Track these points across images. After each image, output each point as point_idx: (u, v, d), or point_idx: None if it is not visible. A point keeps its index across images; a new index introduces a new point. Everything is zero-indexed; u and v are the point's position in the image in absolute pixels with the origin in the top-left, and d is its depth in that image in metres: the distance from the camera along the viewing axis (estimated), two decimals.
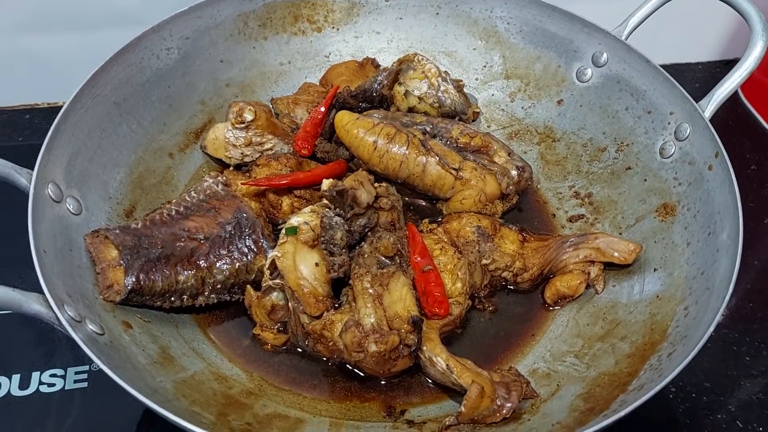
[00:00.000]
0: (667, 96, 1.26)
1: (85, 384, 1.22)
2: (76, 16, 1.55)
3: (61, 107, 1.15)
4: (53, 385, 1.22)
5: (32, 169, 1.07)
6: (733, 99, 1.22)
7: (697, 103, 1.21)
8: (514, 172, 1.30)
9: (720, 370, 1.28)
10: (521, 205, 1.36)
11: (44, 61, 1.63)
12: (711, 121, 1.19)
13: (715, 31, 1.88)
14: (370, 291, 1.08)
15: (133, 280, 1.08)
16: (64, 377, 1.23)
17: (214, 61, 1.40)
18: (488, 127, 1.47)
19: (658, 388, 0.90)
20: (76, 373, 1.23)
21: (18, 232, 1.02)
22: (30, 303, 0.93)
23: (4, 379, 1.21)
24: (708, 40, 1.90)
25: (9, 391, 1.20)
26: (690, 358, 0.93)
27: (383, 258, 1.14)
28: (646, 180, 1.27)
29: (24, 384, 1.21)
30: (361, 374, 1.11)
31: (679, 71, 1.85)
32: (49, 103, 1.67)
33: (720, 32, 1.89)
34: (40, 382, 1.22)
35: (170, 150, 1.34)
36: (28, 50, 1.60)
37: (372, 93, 1.38)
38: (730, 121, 1.77)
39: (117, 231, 1.13)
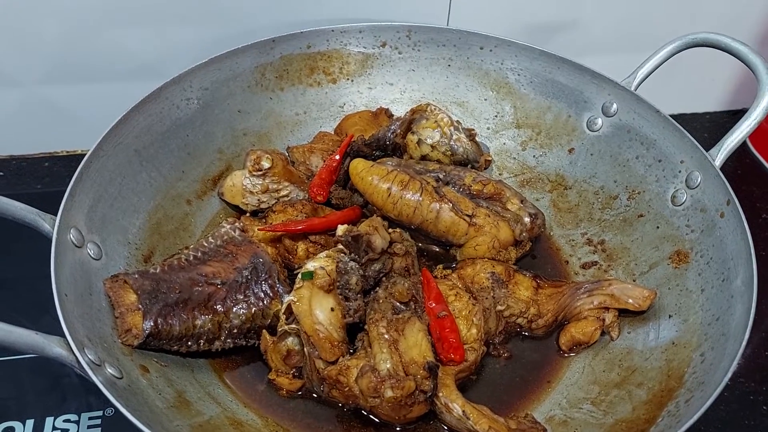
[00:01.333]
0: (677, 145, 1.28)
1: (98, 429, 1.21)
2: (98, 68, 1.59)
3: (79, 155, 1.18)
4: (67, 430, 1.21)
5: (54, 214, 1.09)
6: (741, 148, 1.24)
7: (707, 152, 1.23)
8: (527, 219, 1.31)
9: (737, 420, 1.27)
10: (534, 252, 1.37)
11: (64, 110, 1.67)
12: (721, 169, 1.21)
13: (722, 81, 1.92)
14: (386, 336, 1.09)
15: (151, 324, 1.09)
16: (77, 422, 1.22)
17: (232, 111, 1.43)
18: (500, 175, 1.49)
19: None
20: (90, 418, 1.23)
21: (37, 277, 1.04)
22: (52, 346, 0.94)
23: (18, 425, 1.21)
24: (715, 91, 1.93)
25: None
26: (708, 403, 0.93)
27: (398, 303, 1.14)
28: (658, 227, 1.28)
29: (38, 429, 1.21)
30: (377, 420, 1.10)
31: (686, 121, 1.88)
32: (68, 151, 1.70)
33: (727, 83, 1.92)
34: (54, 428, 1.22)
35: (188, 197, 1.36)
36: (48, 100, 1.64)
37: (385, 141, 1.40)
38: (739, 171, 1.78)
39: (136, 276, 1.15)
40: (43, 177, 1.66)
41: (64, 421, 1.23)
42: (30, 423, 1.22)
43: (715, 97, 1.95)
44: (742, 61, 1.23)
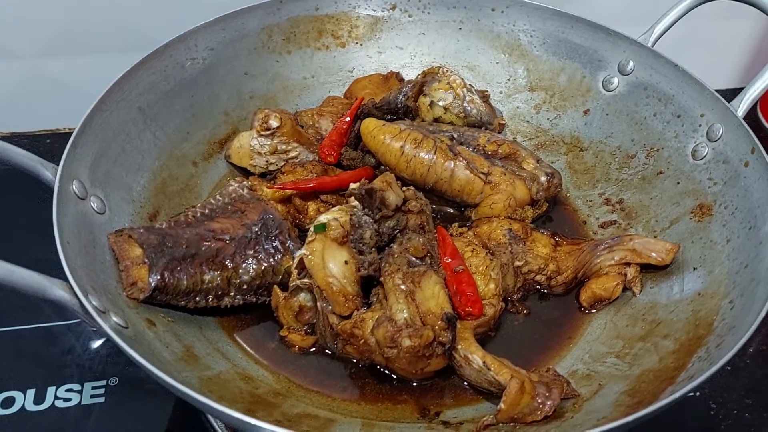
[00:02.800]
0: (696, 99, 1.25)
1: (102, 399, 1.18)
2: (100, 40, 1.57)
3: None
4: (69, 400, 1.18)
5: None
6: (752, 123, 1.21)
7: (728, 103, 1.20)
8: (543, 178, 1.27)
9: (761, 387, 1.24)
10: (551, 213, 1.33)
11: (65, 86, 1.64)
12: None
13: (732, 59, 1.90)
14: (402, 287, 1.05)
15: (158, 277, 1.05)
16: (80, 392, 1.19)
17: (238, 73, 1.40)
18: (514, 138, 1.45)
19: (712, 370, 0.85)
20: (93, 387, 1.20)
21: (40, 229, 1.00)
22: (54, 288, 0.90)
23: (18, 394, 1.18)
24: (725, 68, 1.91)
25: (23, 406, 1.16)
26: (743, 341, 0.89)
27: (413, 258, 1.10)
28: (679, 183, 1.25)
29: (39, 399, 1.18)
30: (393, 376, 1.06)
31: None
32: (70, 128, 1.66)
33: (737, 60, 1.90)
34: (56, 397, 1.18)
35: (193, 158, 1.33)
36: (49, 75, 1.61)
37: (397, 104, 1.37)
38: None
39: (141, 230, 1.11)
40: (46, 153, 1.61)
41: (67, 390, 1.19)
42: (31, 392, 1.18)
43: (725, 74, 1.93)
44: (763, 11, 1.20)
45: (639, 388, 0.97)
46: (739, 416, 1.18)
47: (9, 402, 1.17)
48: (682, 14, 1.30)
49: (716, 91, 1.15)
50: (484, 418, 0.97)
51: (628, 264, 1.16)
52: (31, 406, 1.17)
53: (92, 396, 1.19)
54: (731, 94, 1.86)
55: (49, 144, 1.65)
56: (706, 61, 1.84)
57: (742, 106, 1.19)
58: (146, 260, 1.07)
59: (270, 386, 1.03)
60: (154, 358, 0.94)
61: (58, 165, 1.06)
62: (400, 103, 1.37)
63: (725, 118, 1.20)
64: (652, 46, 1.32)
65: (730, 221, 1.13)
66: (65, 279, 0.92)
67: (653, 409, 0.83)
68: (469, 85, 1.39)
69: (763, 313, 0.92)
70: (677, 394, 0.83)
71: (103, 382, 1.20)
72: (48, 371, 1.21)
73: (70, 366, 1.23)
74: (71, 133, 1.64)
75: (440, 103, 1.37)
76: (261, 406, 0.97)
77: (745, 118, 1.19)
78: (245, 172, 1.34)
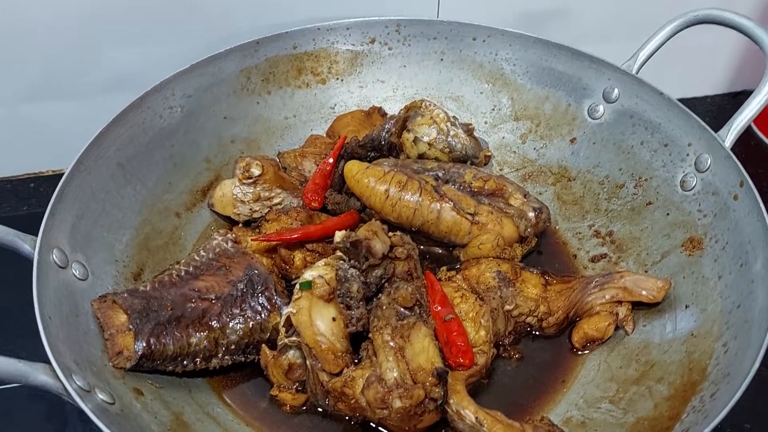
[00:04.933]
0: (683, 127, 1.23)
1: None
2: (78, 83, 1.54)
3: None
4: None
5: (36, 235, 1.04)
6: (746, 131, 1.19)
7: (715, 133, 1.18)
8: (531, 214, 1.26)
9: (758, 408, 1.22)
10: (540, 247, 1.32)
11: (47, 129, 1.62)
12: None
13: (721, 63, 1.87)
14: (391, 344, 1.03)
15: (144, 345, 1.03)
16: None
17: (218, 118, 1.38)
18: (501, 170, 1.44)
19: (706, 430, 0.84)
20: None
21: (22, 303, 0.99)
22: (37, 374, 0.88)
23: None
24: (714, 74, 1.89)
25: None
26: (737, 397, 0.87)
27: (402, 309, 1.09)
28: (668, 214, 1.23)
29: None
30: None
31: (688, 106, 1.83)
32: (53, 171, 1.65)
33: (726, 65, 1.87)
34: None
35: (176, 209, 1.31)
36: (29, 119, 1.59)
37: (380, 141, 1.35)
38: (744, 154, 1.73)
39: (125, 295, 1.09)
40: (29, 198, 1.61)
41: None
42: None
43: (715, 79, 1.90)
44: (747, 36, 1.18)
45: None
46: None
47: None
48: (666, 39, 1.28)
49: (708, 97, 1.13)
50: None
51: (620, 302, 1.15)
52: None
53: None
54: (724, 99, 1.88)
55: (33, 188, 1.63)
56: (694, 67, 1.83)
57: (729, 136, 1.17)
58: (131, 327, 1.05)
59: None
60: None
61: (36, 235, 1.04)
62: (384, 140, 1.35)
63: (712, 149, 1.18)
64: (637, 72, 1.30)
65: (722, 256, 1.12)
66: (47, 360, 0.90)
67: None
68: (453, 118, 1.37)
69: (758, 363, 0.91)
70: None
71: None
72: (44, 430, 1.19)
73: (66, 424, 1.21)
74: (54, 175, 1.65)
75: (424, 139, 1.36)
76: None
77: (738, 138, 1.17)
78: (230, 221, 1.32)
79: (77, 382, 0.91)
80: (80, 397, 0.88)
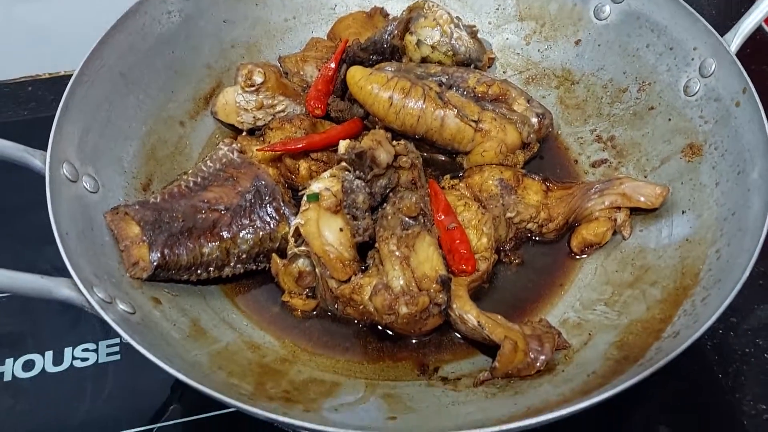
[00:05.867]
0: (689, 30, 1.22)
1: (117, 357, 1.22)
2: None
3: (63, 77, 1.12)
4: (86, 359, 1.22)
5: (45, 149, 1.05)
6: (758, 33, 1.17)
7: (722, 36, 1.16)
8: (534, 120, 1.27)
9: (747, 306, 1.27)
10: (542, 152, 1.33)
11: (42, 31, 1.59)
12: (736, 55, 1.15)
13: None
14: (397, 253, 1.07)
15: (159, 255, 1.07)
16: (96, 351, 1.23)
17: (217, 22, 1.36)
18: (504, 72, 1.43)
19: (696, 335, 0.89)
20: (108, 346, 1.24)
21: (31, 212, 1.01)
22: (60, 289, 0.92)
23: (38, 357, 1.22)
24: None
25: (44, 368, 1.21)
26: (726, 303, 0.92)
27: (407, 218, 1.12)
28: (670, 120, 1.24)
29: (57, 360, 1.22)
30: (393, 334, 1.10)
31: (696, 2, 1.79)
32: (50, 73, 1.63)
33: None
34: (74, 357, 1.22)
35: (181, 118, 1.31)
36: (23, 20, 1.56)
37: (383, 45, 1.33)
38: (748, 49, 1.70)
39: (136, 206, 1.12)
40: (28, 102, 1.60)
41: (83, 350, 1.23)
42: (49, 354, 1.22)
43: None
44: None
45: (627, 341, 1.02)
46: (724, 335, 1.21)
47: (29, 365, 1.22)
48: None
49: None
50: (480, 374, 1.03)
51: (618, 208, 1.18)
52: (50, 368, 1.22)
53: (108, 354, 1.23)
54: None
55: (31, 92, 1.61)
56: None
57: (735, 40, 1.16)
58: (145, 238, 1.08)
59: (276, 353, 1.08)
60: (163, 341, 0.98)
61: (43, 146, 1.05)
62: (386, 42, 1.34)
63: (717, 54, 1.17)
64: None
65: (720, 163, 1.13)
66: (67, 274, 0.94)
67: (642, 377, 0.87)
68: (456, 19, 1.34)
69: (748, 270, 0.95)
70: (661, 362, 0.87)
71: (117, 340, 1.24)
72: (64, 332, 1.25)
73: (84, 326, 1.27)
74: (51, 78, 1.63)
75: (427, 42, 1.34)
76: (269, 376, 1.02)
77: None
78: (233, 128, 1.33)
79: (98, 294, 0.94)
80: (102, 308, 0.92)
